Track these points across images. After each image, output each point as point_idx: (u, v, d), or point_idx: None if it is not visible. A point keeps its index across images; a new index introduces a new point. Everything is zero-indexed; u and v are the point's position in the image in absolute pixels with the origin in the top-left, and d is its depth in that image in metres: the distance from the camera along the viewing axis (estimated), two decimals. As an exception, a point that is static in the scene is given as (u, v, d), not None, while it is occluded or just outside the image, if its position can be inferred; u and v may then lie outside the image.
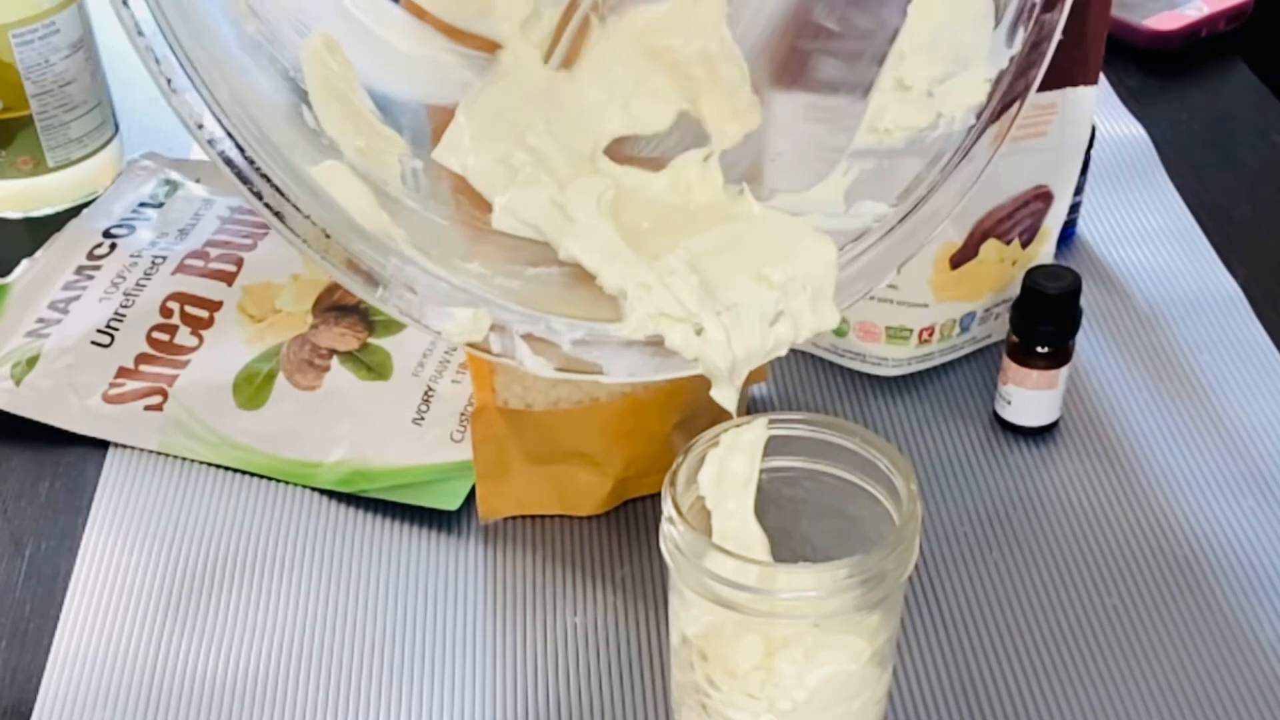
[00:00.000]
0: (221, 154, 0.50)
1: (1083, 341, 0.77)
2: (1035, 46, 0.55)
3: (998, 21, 0.55)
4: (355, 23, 0.57)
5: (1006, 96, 0.55)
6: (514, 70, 0.59)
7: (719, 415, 0.57)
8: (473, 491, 0.68)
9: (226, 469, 0.72)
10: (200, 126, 0.50)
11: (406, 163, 0.56)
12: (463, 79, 0.59)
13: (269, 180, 0.51)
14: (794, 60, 0.60)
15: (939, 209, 0.57)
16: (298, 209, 0.51)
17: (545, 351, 0.54)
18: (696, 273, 0.54)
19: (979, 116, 0.56)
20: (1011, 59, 0.55)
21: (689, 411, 0.68)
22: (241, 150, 0.50)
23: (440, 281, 0.54)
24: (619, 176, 0.59)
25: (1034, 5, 0.54)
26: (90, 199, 0.89)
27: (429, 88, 0.59)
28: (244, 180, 0.51)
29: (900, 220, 0.57)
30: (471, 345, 0.54)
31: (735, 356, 0.54)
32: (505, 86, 0.58)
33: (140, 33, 0.48)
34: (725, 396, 0.54)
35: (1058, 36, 0.54)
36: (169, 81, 0.49)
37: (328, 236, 0.52)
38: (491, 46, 0.59)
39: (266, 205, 0.51)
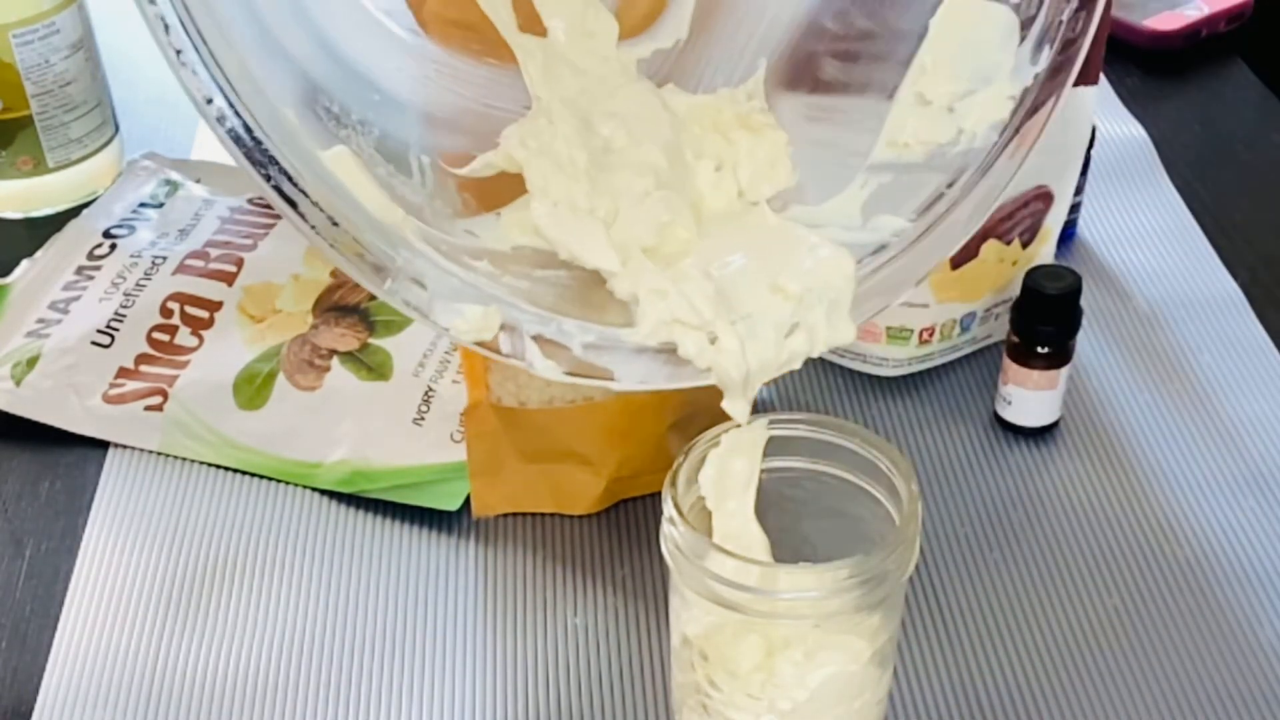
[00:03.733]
0: (230, 131, 0.49)
1: (1083, 342, 0.77)
2: (1059, 65, 0.54)
3: (1022, 39, 0.54)
4: (365, 12, 0.56)
5: (1027, 113, 0.55)
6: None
7: (715, 417, 0.57)
8: (473, 491, 0.69)
9: (227, 469, 0.72)
10: (209, 101, 0.48)
11: (415, 157, 0.55)
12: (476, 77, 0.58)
13: (277, 162, 0.50)
14: (796, 62, 0.60)
15: (957, 224, 0.56)
16: (305, 194, 0.50)
17: (556, 354, 0.54)
18: (712, 281, 0.54)
19: (1001, 133, 0.55)
20: (1035, 76, 0.54)
21: (684, 413, 0.68)
22: (250, 130, 0.49)
23: (450, 276, 0.53)
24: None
25: (1059, 23, 0.53)
26: (90, 199, 0.88)
27: (435, 82, 0.59)
28: (252, 161, 0.49)
29: (919, 236, 0.56)
30: (480, 344, 0.53)
31: (749, 368, 0.53)
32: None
33: (152, 1, 0.47)
34: (737, 409, 0.53)
35: (1084, 55, 0.53)
36: (178, 53, 0.48)
37: (335, 224, 0.51)
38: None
39: (275, 188, 0.50)
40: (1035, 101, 0.54)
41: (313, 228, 0.51)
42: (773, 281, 0.54)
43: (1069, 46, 0.53)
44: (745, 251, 0.55)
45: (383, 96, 0.55)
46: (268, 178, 0.50)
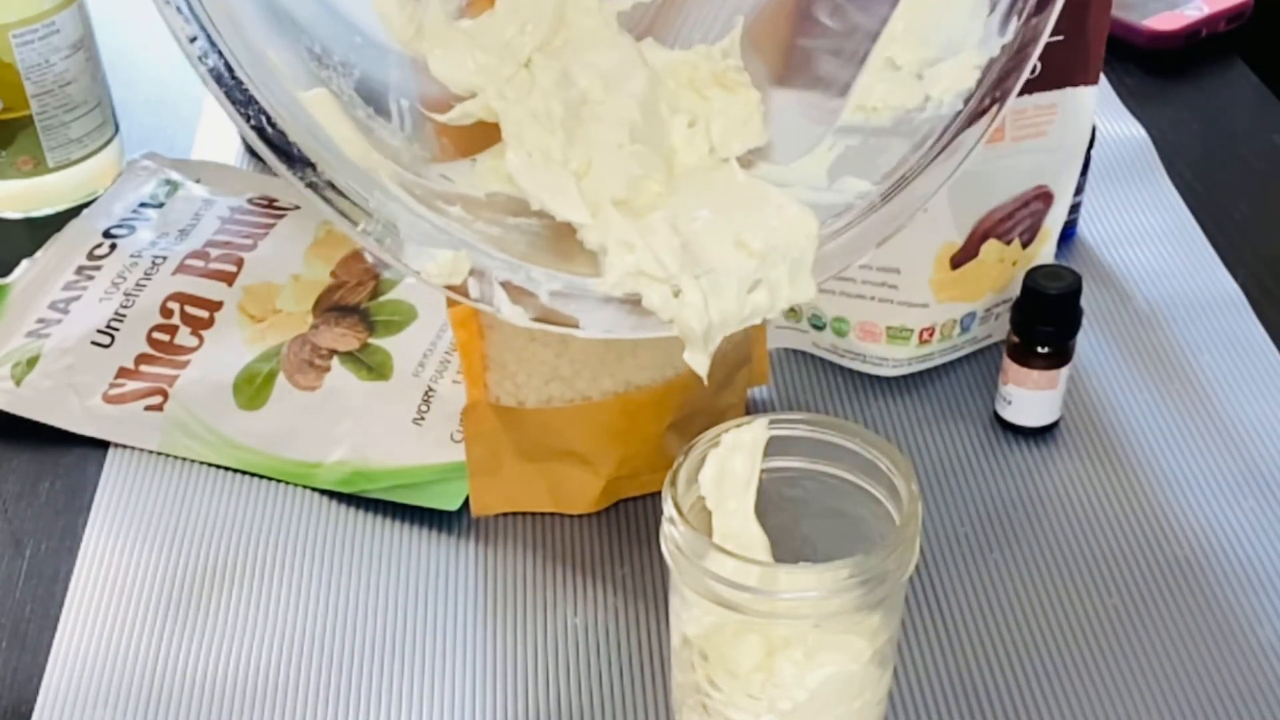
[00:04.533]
0: (212, 69, 0.49)
1: (1083, 341, 0.77)
2: (1026, 39, 0.54)
3: (991, 9, 0.55)
4: None
5: (996, 87, 0.55)
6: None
7: (713, 417, 0.57)
8: (473, 491, 0.69)
9: (226, 469, 0.72)
10: (193, 40, 0.49)
11: (395, 99, 0.56)
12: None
13: (256, 102, 0.50)
14: (790, 56, 0.60)
15: (922, 192, 0.57)
16: (284, 133, 0.51)
17: (523, 300, 0.55)
18: (678, 234, 0.54)
19: (966, 102, 0.56)
20: (1003, 48, 0.55)
21: (683, 413, 0.68)
22: (231, 70, 0.50)
23: (422, 221, 0.54)
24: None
25: None
26: (90, 199, 0.88)
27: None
28: (232, 100, 0.50)
29: (883, 199, 0.57)
30: (450, 288, 0.54)
31: (711, 321, 0.54)
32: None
33: None
34: (698, 361, 0.54)
35: (1050, 25, 0.54)
36: None
37: (313, 165, 0.52)
38: None
39: (254, 128, 0.50)
40: (1001, 75, 0.55)
41: (289, 169, 0.51)
42: (737, 237, 0.55)
43: (1036, 20, 0.54)
44: (713, 207, 0.56)
45: (365, 39, 0.55)
46: (247, 118, 0.50)
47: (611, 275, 0.54)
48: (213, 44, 0.49)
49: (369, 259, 0.80)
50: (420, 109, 0.56)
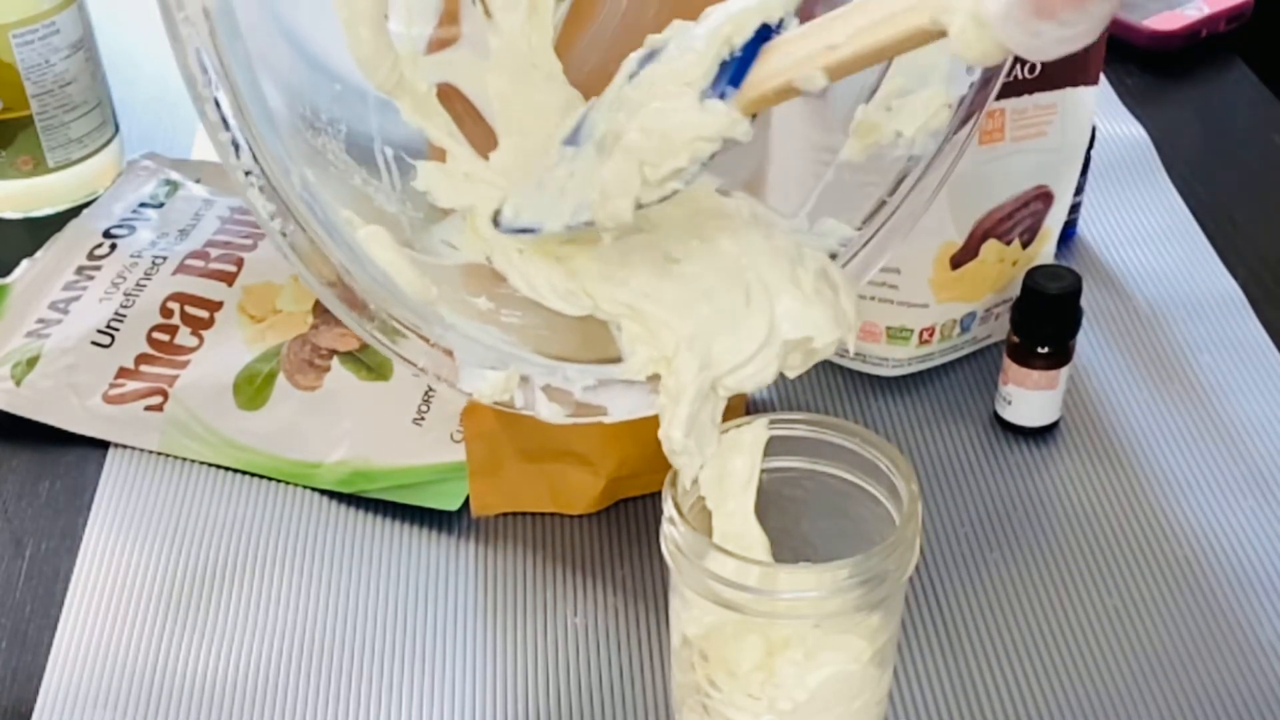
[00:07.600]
0: (283, 232, 0.49)
1: (1083, 341, 0.77)
2: (988, 75, 0.54)
3: None
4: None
5: (961, 121, 0.55)
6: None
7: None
8: (473, 491, 0.69)
9: (226, 469, 0.72)
10: (273, 219, 0.49)
11: (380, 150, 0.55)
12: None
13: (329, 258, 0.50)
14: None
15: (895, 230, 0.56)
16: (350, 284, 0.51)
17: (559, 399, 0.55)
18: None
19: (940, 143, 0.55)
20: (972, 85, 0.54)
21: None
22: (303, 229, 0.50)
23: (474, 343, 0.54)
24: None
25: None
26: (90, 199, 0.89)
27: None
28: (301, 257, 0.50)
29: (863, 244, 0.57)
30: (498, 403, 0.54)
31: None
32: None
33: (226, 126, 0.47)
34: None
35: (1006, 68, 0.54)
36: (247, 174, 0.48)
37: (387, 314, 0.52)
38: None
39: (328, 284, 0.50)
40: (969, 110, 0.54)
41: (355, 318, 0.51)
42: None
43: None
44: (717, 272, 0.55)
45: (344, 85, 0.54)
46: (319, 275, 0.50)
47: (634, 361, 0.54)
48: (290, 215, 0.49)
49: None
50: (404, 158, 0.55)
